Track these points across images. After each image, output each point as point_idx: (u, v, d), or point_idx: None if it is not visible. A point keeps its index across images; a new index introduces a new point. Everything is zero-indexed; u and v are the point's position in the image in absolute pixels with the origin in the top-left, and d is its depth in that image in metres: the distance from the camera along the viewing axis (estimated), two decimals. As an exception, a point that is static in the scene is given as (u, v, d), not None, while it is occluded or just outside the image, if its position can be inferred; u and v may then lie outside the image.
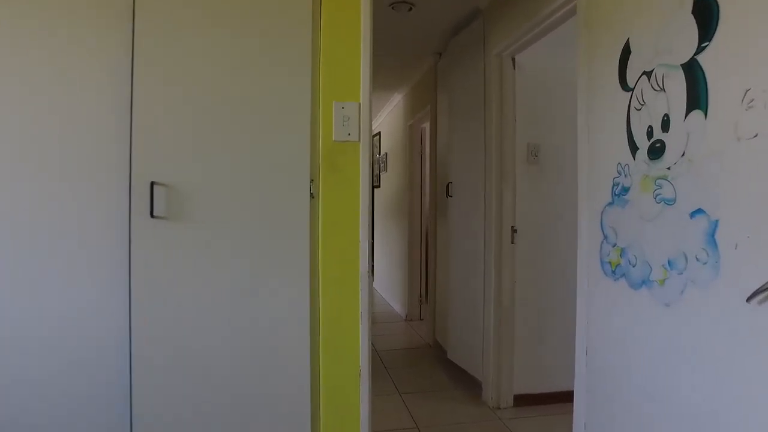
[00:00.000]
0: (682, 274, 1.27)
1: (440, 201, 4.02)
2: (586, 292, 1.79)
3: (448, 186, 3.53)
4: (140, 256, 1.61)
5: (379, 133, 7.06)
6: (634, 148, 1.49)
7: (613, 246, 1.60)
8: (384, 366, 3.73)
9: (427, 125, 4.72)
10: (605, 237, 1.66)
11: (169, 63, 1.63)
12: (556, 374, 2.82)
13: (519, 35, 2.65)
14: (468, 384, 3.17)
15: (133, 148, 1.60)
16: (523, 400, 2.86)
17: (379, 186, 7.20)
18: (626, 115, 1.53)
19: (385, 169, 6.62)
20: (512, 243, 2.83)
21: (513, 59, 2.88)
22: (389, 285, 6.42)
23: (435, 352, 4.02)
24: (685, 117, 1.27)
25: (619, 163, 1.58)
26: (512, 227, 2.83)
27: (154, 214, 1.60)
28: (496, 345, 2.84)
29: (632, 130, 1.50)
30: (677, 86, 1.30)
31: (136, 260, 1.60)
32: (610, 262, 1.63)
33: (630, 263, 1.50)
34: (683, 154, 1.28)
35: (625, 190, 1.54)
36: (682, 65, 1.28)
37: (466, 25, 3.30)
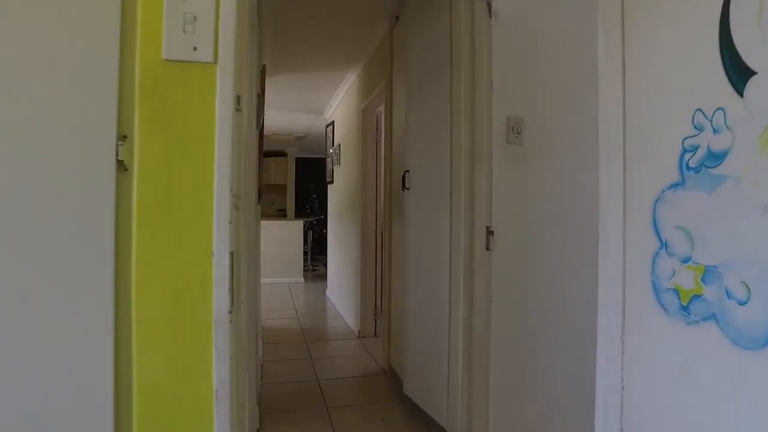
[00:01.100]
0: None
1: (396, 195, 3.27)
2: (618, 338, 1.07)
3: (404, 176, 2.79)
4: None
5: (333, 123, 6.28)
6: (741, 72, 0.78)
7: (685, 262, 0.89)
8: (325, 403, 2.95)
9: (383, 108, 3.98)
10: (664, 245, 0.95)
11: None
12: (548, 429, 2.12)
13: (498, -35, 1.93)
14: (431, 429, 2.44)
15: None
16: (502, 460, 2.15)
17: (332, 182, 6.41)
18: (719, 14, 0.82)
19: (338, 163, 5.85)
20: (487, 249, 2.11)
21: (488, 4, 2.17)
22: (342, 295, 5.64)
23: (390, 383, 3.27)
24: None
25: (699, 110, 0.86)
26: (487, 228, 2.11)
27: None
28: (466, 384, 2.11)
29: (736, 42, 0.79)
30: None
31: None
32: (676, 290, 0.91)
33: (731, 295, 0.79)
34: None
35: (717, 156, 0.82)
36: None
37: (428, -32, 2.57)
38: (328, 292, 6.68)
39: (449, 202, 2.27)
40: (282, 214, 11.06)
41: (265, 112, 6.85)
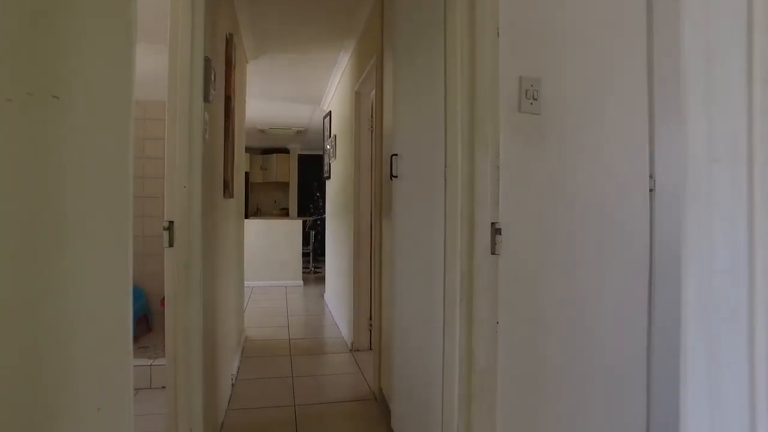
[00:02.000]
0: None
1: (384, 185, 2.74)
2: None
3: (392, 161, 2.26)
4: None
5: (330, 114, 5.76)
6: None
7: None
8: (297, 440, 2.43)
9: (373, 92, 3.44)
10: None
11: None
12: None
13: None
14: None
15: None
16: None
17: (329, 177, 5.90)
18: None
19: (334, 156, 5.33)
20: (493, 253, 1.56)
21: (494, -74, 1.62)
22: (337, 302, 5.12)
23: (380, 412, 2.74)
24: None
25: None
26: (493, 225, 1.56)
27: None
28: (466, 432, 1.57)
29: None
30: None
31: None
32: None
33: None
34: None
35: None
36: None
37: None
38: (326, 296, 6.17)
39: (443, 190, 1.73)
40: (285, 213, 10.59)
41: (259, 104, 6.36)
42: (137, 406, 2.61)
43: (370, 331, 3.97)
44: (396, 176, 2.21)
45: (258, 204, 11.27)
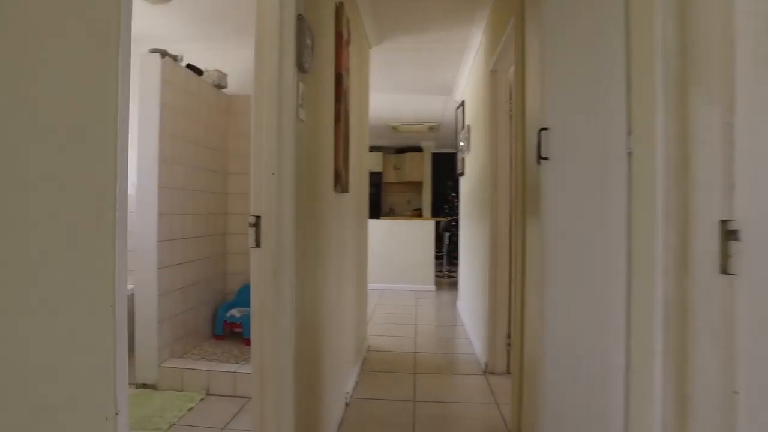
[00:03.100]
0: None
1: (528, 173, 2.13)
2: None
3: (539, 139, 1.66)
4: None
5: (463, 103, 5.22)
6: None
7: None
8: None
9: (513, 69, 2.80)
10: None
11: None
12: None
13: None
14: None
15: None
16: None
17: (462, 173, 5.35)
18: None
19: (468, 149, 4.78)
20: (725, 272, 0.91)
21: None
22: (471, 312, 4.56)
23: (519, 463, 2.14)
24: None
25: None
26: (724, 224, 0.91)
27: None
28: None
29: None
30: None
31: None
32: None
33: None
34: None
35: None
36: None
37: None
38: (459, 304, 5.64)
39: (624, 170, 1.11)
40: (418, 214, 10.26)
41: (387, 98, 6.05)
42: (214, 416, 2.42)
43: (508, 351, 3.36)
44: (545, 158, 1.62)
45: (391, 204, 11.12)
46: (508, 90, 3.31)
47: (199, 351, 3.31)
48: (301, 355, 1.79)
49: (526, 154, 2.20)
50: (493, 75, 3.37)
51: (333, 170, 2.36)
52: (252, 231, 1.59)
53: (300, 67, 1.67)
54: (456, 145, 5.80)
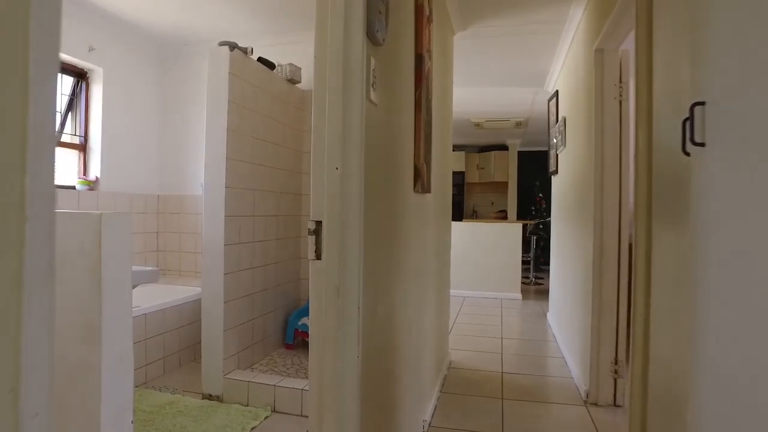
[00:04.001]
0: None
1: (662, 167, 1.66)
2: None
3: (688, 121, 1.21)
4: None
5: (557, 94, 4.69)
6: None
7: None
8: None
9: (630, 48, 2.27)
10: None
11: None
12: None
13: None
14: None
15: None
16: None
17: (555, 172, 4.82)
18: None
19: (563, 144, 4.26)
20: None
21: None
22: (564, 327, 4.04)
23: None
24: None
25: None
26: None
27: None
28: None
29: None
30: None
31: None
32: None
33: None
34: None
35: None
36: None
37: None
38: (550, 317, 5.10)
39: None
40: (502, 216, 9.68)
41: (470, 92, 5.62)
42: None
43: (615, 379, 2.84)
44: (701, 143, 1.17)
45: (474, 205, 10.62)
46: (617, 71, 2.81)
47: (267, 362, 3.13)
48: (369, 383, 1.48)
49: (654, 144, 1.74)
50: (598, 55, 2.88)
51: (413, 166, 2.03)
52: (311, 239, 1.29)
53: (371, 36, 1.35)
54: (547, 142, 5.26)
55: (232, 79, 2.75)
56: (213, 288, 2.72)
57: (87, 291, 1.33)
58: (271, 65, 3.23)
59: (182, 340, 3.28)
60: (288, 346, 3.37)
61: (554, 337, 4.41)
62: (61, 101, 3.50)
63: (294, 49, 3.69)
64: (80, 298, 1.34)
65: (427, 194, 2.43)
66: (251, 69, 2.96)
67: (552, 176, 5.15)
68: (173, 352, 3.21)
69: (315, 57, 1.29)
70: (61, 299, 1.33)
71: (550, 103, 5.06)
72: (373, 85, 1.40)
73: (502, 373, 3.42)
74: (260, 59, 3.14)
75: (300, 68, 3.53)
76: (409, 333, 2.06)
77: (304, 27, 3.61)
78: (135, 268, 2.38)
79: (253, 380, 2.72)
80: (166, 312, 3.14)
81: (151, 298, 3.45)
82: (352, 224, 1.30)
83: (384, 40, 1.46)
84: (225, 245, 2.72)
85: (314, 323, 1.33)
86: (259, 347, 3.13)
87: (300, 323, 3.33)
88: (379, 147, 1.54)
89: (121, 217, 1.37)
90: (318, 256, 1.29)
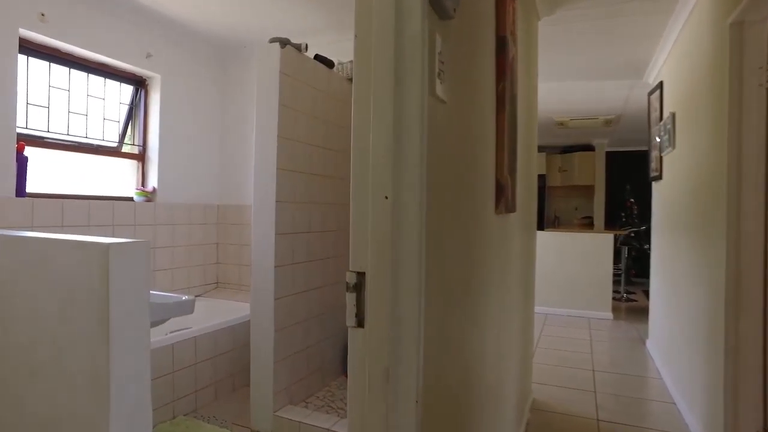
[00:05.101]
0: None
1: None
2: None
3: None
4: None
5: (660, 86, 4.01)
6: None
7: None
8: None
9: None
10: None
11: None
12: None
13: None
14: None
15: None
16: None
17: (658, 177, 4.12)
18: None
19: (671, 144, 3.58)
20: None
21: None
22: (674, 361, 3.37)
23: None
24: None
25: None
26: None
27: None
28: None
29: None
30: None
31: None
32: None
33: None
34: None
35: None
36: None
37: None
38: (649, 343, 4.39)
39: None
40: (588, 224, 8.83)
41: (553, 87, 5.01)
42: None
43: (755, 445, 2.22)
44: None
45: (556, 211, 9.81)
46: (763, 50, 2.18)
47: (325, 394, 2.79)
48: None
49: None
50: (735, 31, 2.26)
51: (494, 182, 1.58)
52: (351, 298, 0.90)
53: (436, 5, 0.94)
54: (641, 140, 4.55)
55: (284, 80, 2.44)
56: (262, 315, 2.42)
57: (96, 332, 1.04)
58: (329, 63, 2.90)
59: (236, 362, 3.03)
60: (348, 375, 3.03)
61: (658, 372, 3.74)
62: (120, 110, 3.38)
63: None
64: (89, 340, 1.05)
65: (511, 214, 1.97)
66: (306, 68, 2.64)
67: (654, 181, 4.44)
68: (226, 376, 2.97)
69: (355, 37, 0.90)
70: (67, 342, 1.04)
71: (651, 97, 4.36)
72: (439, 74, 0.98)
73: (598, 420, 2.86)
74: (317, 57, 2.82)
75: (363, 66, 3.17)
76: (488, 397, 1.62)
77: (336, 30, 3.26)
78: (167, 297, 2.13)
79: (304, 420, 2.38)
80: (218, 334, 2.90)
81: (205, 316, 3.24)
82: (408, 275, 0.90)
83: (455, 10, 1.03)
84: (276, 266, 2.41)
85: (352, 412, 0.94)
86: (315, 377, 2.81)
87: (361, 351, 2.97)
88: (448, 161, 1.12)
89: (136, 246, 1.07)
90: (359, 323, 0.90)
